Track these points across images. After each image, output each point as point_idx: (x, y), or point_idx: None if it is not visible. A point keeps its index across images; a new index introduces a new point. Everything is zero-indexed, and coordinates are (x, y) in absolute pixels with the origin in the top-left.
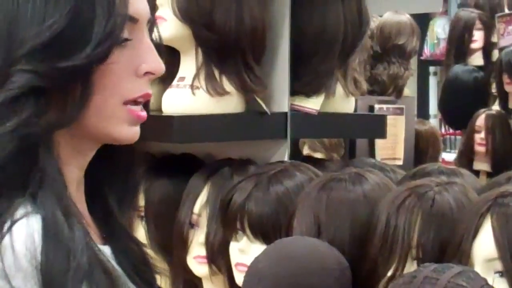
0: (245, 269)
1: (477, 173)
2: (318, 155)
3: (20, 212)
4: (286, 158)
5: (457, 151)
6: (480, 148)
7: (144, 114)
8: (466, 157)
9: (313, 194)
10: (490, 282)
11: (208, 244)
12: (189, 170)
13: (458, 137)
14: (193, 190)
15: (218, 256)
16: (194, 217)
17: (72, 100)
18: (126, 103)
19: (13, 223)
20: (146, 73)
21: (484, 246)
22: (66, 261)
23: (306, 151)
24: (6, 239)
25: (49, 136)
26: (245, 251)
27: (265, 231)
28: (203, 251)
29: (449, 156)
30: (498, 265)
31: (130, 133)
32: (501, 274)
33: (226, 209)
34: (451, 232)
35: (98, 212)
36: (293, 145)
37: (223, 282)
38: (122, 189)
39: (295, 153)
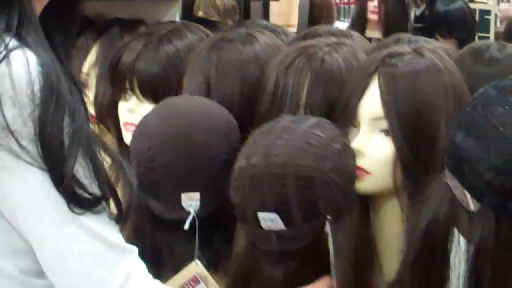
0: (134, 128)
1: (369, 40)
2: None
3: (13, 43)
4: (177, 19)
5: (350, 20)
6: (372, 16)
7: None
8: (359, 25)
9: (203, 54)
10: (376, 140)
11: (97, 104)
12: (78, 30)
13: (352, 7)
14: (82, 50)
15: (106, 116)
16: (83, 76)
17: None
18: None
19: (9, 51)
20: None
21: (371, 105)
22: (61, 120)
23: (200, 15)
24: (3, 66)
25: None
26: (134, 110)
27: (154, 91)
28: (91, 111)
29: (342, 25)
30: (384, 124)
31: None
32: (387, 132)
33: (115, 69)
34: (339, 92)
35: None
36: (185, 6)
37: (111, 142)
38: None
39: (188, 15)
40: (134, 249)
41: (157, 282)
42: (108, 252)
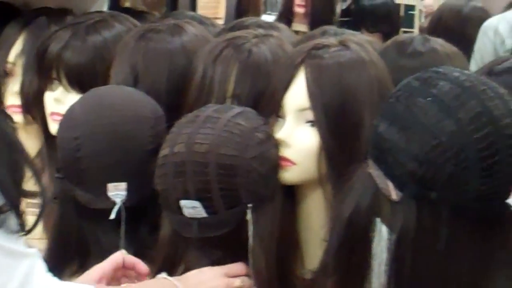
0: (60, 118)
1: (296, 33)
2: None
3: None
4: (105, 9)
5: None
6: (299, 10)
7: None
8: (286, 18)
9: (131, 44)
10: (301, 131)
11: (23, 93)
12: (5, 19)
13: (279, 0)
14: (8, 39)
15: (33, 106)
16: (9, 66)
17: None
18: None
19: None
20: None
21: (297, 96)
22: None
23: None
24: None
25: None
26: (60, 100)
27: (81, 81)
28: (17, 101)
29: (269, 18)
30: (309, 115)
31: None
32: (312, 123)
33: (42, 58)
34: (266, 83)
35: None
36: None
37: (37, 132)
38: None
39: (115, 6)
40: (33, 252)
41: (55, 280)
42: (4, 258)
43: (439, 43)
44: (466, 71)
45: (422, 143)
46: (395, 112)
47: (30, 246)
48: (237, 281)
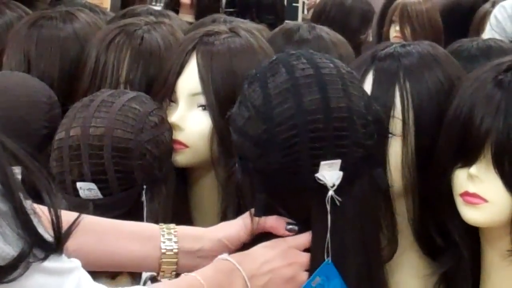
0: None
1: None
2: None
3: None
4: None
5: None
6: (185, 0)
7: None
8: (172, 9)
9: (23, 32)
10: (194, 115)
11: None
12: None
13: None
14: None
15: None
16: None
17: None
18: None
19: None
20: None
21: (189, 81)
22: None
23: None
24: None
25: None
26: None
27: None
28: None
29: (156, 8)
30: (202, 99)
31: None
32: (204, 107)
33: None
34: (158, 69)
35: None
36: None
37: None
38: None
39: None
40: (75, 265)
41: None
42: (49, 279)
43: (325, 30)
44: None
45: (256, 126)
46: (244, 93)
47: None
48: (304, 269)
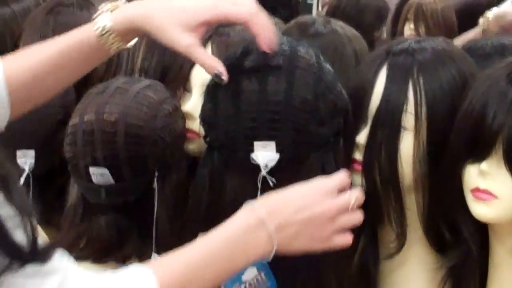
0: None
1: None
2: None
3: None
4: None
5: None
6: None
7: None
8: None
9: (40, 18)
10: None
11: None
12: None
13: None
14: None
15: None
16: None
17: None
18: None
19: None
20: None
21: (203, 71)
22: None
23: None
24: None
25: None
26: None
27: None
28: None
29: None
30: None
31: None
32: None
33: None
34: (173, 58)
35: None
36: None
37: None
38: None
39: None
40: (62, 266)
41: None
42: (28, 280)
43: (340, 25)
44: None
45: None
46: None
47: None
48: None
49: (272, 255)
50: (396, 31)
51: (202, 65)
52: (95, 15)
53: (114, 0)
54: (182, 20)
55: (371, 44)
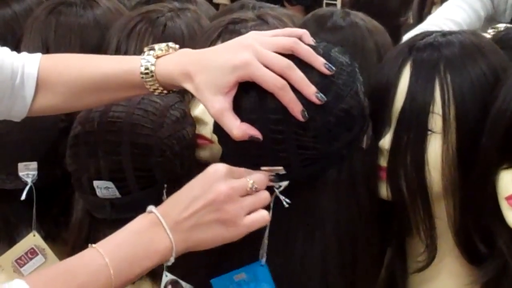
0: None
1: (217, 6)
2: None
3: None
4: None
5: None
6: None
7: None
8: None
9: (42, 18)
10: None
11: None
12: None
13: None
14: None
15: None
16: None
17: None
18: None
19: None
20: None
21: None
22: None
23: None
24: None
25: None
26: None
27: None
28: None
29: None
30: None
31: None
32: None
33: None
34: None
35: None
36: None
37: None
38: None
39: None
40: None
41: None
42: None
43: (359, 17)
44: None
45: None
46: None
47: None
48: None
49: (173, 253)
50: (422, 16)
51: (229, 132)
52: (145, 49)
53: None
54: (218, 80)
55: (397, 30)
